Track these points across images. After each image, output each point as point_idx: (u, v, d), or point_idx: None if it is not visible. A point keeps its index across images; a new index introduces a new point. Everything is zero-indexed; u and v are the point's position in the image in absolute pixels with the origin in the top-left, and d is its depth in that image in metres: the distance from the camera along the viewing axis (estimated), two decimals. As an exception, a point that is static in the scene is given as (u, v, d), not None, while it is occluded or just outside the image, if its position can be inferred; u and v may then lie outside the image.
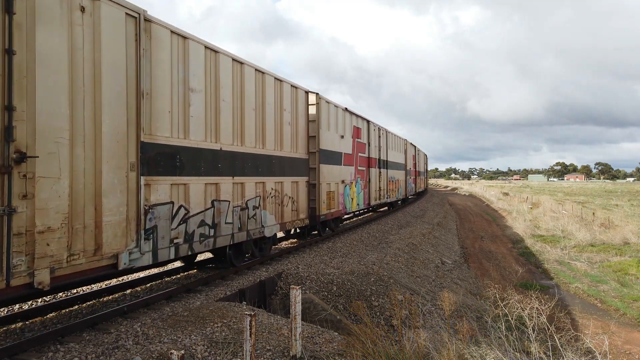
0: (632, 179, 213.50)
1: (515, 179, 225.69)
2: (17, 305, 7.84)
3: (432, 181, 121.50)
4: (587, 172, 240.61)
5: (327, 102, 15.51)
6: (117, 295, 8.69)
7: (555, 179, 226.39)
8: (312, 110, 14.42)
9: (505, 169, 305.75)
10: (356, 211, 21.36)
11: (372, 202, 22.00)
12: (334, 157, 16.00)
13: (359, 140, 19.54)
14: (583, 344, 6.29)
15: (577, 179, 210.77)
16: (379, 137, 23.66)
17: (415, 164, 39.58)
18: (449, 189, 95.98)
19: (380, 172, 23.56)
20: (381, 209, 29.63)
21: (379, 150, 23.63)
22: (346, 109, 17.67)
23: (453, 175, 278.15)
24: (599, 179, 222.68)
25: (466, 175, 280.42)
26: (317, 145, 14.42)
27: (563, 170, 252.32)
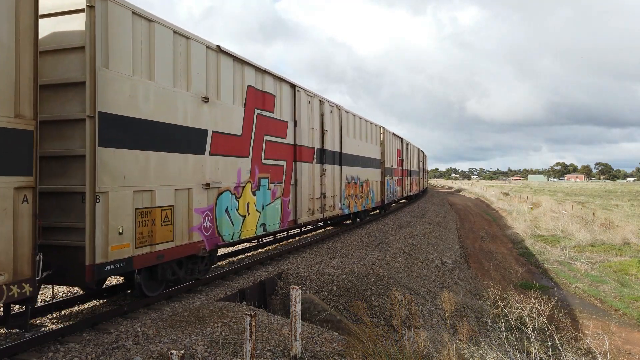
0: (632, 179, 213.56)
1: (515, 179, 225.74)
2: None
3: (432, 181, 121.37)
4: (587, 172, 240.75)
5: (139, 15, 7.35)
6: (117, 295, 8.68)
7: (555, 179, 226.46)
8: (76, 23, 6.64)
9: (505, 169, 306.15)
10: (261, 236, 12.07)
11: (304, 219, 13.40)
12: (171, 137, 7.88)
13: (265, 113, 11.24)
14: (583, 344, 6.30)
15: (577, 179, 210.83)
16: (322, 115, 15.03)
17: (402, 160, 31.06)
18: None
19: (323, 170, 15.06)
20: (346, 222, 20.59)
21: (322, 135, 15.01)
22: (219, 47, 9.31)
23: (453, 175, 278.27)
24: (599, 179, 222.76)
25: (466, 176, 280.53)
26: (90, 104, 6.43)
27: (563, 171, 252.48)
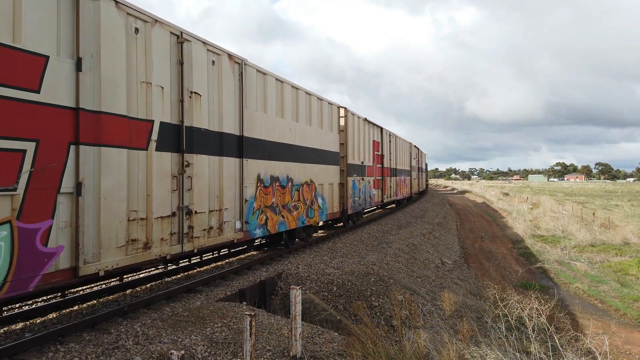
0: (632, 179, 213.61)
1: (515, 179, 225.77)
2: (17, 305, 7.84)
3: (432, 181, 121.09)
4: (587, 172, 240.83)
5: None
6: (117, 295, 8.69)
7: (555, 179, 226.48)
8: None
9: (505, 169, 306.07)
10: None
11: (112, 261, 6.69)
12: None
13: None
14: (583, 344, 6.29)
15: (577, 179, 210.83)
16: (183, 63, 8.31)
17: (381, 156, 24.24)
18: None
19: (184, 164, 8.36)
20: (276, 247, 13.85)
21: (181, 100, 8.31)
22: None
23: (453, 175, 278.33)
24: (599, 179, 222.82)
25: (466, 176, 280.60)
26: None
27: (563, 171, 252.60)
